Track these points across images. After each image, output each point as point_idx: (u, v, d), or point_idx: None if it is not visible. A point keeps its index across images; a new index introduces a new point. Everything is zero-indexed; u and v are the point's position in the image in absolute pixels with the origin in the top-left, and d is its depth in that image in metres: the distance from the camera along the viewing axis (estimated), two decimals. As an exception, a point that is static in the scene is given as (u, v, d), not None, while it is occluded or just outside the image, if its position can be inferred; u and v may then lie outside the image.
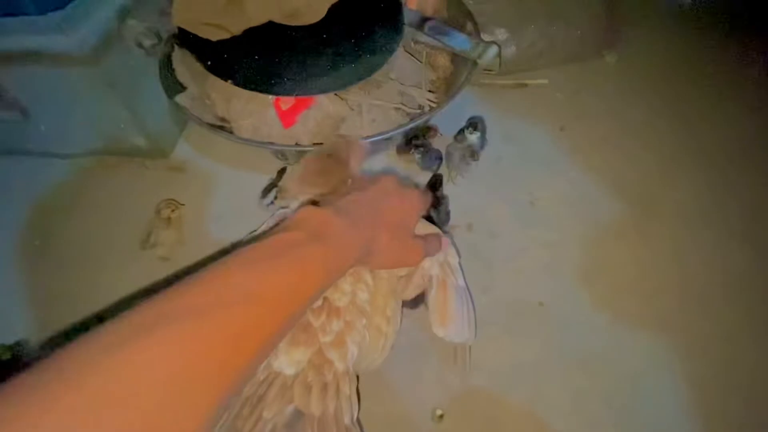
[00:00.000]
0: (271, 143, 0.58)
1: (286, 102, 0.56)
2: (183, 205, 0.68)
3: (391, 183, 0.39)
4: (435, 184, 0.68)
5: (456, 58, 0.71)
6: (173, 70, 0.63)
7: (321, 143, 0.57)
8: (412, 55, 0.71)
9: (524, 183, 0.72)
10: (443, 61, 0.73)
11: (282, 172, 0.64)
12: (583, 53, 0.88)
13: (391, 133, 0.56)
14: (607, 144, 0.77)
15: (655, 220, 0.68)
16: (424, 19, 0.69)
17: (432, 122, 0.71)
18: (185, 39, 0.58)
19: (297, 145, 0.57)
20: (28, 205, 0.71)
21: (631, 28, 0.93)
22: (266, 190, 0.64)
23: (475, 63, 0.63)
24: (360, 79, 0.57)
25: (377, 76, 0.64)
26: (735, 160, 0.74)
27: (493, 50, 0.63)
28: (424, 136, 0.69)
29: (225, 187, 0.72)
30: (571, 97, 0.83)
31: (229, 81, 0.54)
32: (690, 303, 0.60)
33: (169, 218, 0.65)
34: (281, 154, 0.64)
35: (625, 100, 0.83)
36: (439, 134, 0.72)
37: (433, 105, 0.66)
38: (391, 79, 0.66)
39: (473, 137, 0.70)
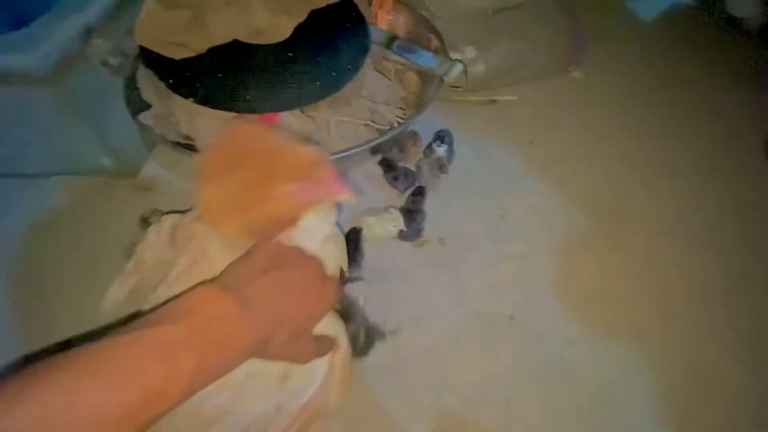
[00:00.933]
0: None
1: (250, 120, 0.55)
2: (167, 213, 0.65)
3: (317, 271, 0.36)
4: (417, 194, 0.68)
5: (424, 75, 0.72)
6: (138, 88, 0.62)
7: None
8: (382, 73, 0.72)
9: (495, 196, 0.72)
10: (412, 78, 0.74)
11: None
12: (551, 70, 0.90)
13: (360, 148, 0.56)
14: (576, 157, 0.78)
15: (624, 231, 0.68)
16: (393, 38, 0.70)
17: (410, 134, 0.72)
18: (148, 58, 0.58)
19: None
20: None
21: (596, 45, 0.96)
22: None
23: (441, 80, 0.64)
24: (324, 96, 0.57)
25: (347, 93, 0.64)
26: (701, 170, 0.76)
27: (458, 67, 0.64)
28: (390, 158, 0.71)
29: (186, 204, 0.71)
30: (540, 112, 0.85)
31: (191, 99, 0.54)
32: (661, 313, 0.60)
33: None
34: None
35: (593, 114, 0.85)
36: (419, 144, 0.72)
37: (402, 121, 0.66)
38: (362, 96, 0.66)
39: (441, 150, 0.71)
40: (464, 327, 0.59)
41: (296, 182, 0.34)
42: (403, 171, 0.70)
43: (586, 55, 0.94)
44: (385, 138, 0.58)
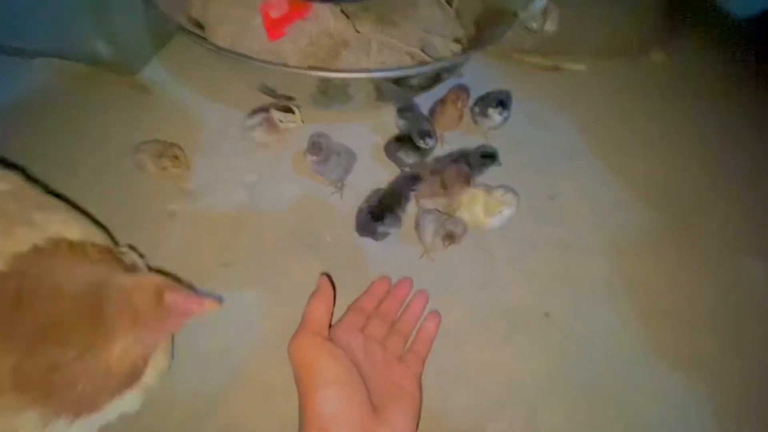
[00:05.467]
0: (247, 56, 0.44)
1: (278, 8, 0.44)
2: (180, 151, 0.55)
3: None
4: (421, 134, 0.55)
5: (493, 8, 0.59)
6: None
7: (313, 67, 0.45)
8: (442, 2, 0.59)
9: (545, 173, 0.61)
10: (477, 10, 0.60)
11: (285, 109, 0.53)
12: (629, 46, 0.77)
13: (407, 72, 0.44)
14: (643, 147, 0.66)
15: (692, 239, 0.57)
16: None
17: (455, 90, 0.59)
18: None
19: (284, 65, 0.45)
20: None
21: (684, 34, 0.83)
22: (255, 112, 0.54)
23: (515, 14, 0.52)
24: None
25: (394, 15, 0.53)
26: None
27: (540, 2, 0.52)
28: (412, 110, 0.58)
29: (194, 119, 0.61)
30: (609, 90, 0.73)
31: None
32: (729, 344, 0.49)
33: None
34: (266, 88, 0.52)
35: (668, 105, 0.73)
36: (462, 104, 0.59)
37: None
38: (414, 23, 0.54)
39: (497, 117, 0.59)
40: (489, 317, 0.48)
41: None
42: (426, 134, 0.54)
43: (671, 40, 0.81)
44: (441, 66, 0.46)
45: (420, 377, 0.40)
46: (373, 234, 0.50)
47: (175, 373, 0.43)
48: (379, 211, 0.49)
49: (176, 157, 0.52)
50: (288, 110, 0.52)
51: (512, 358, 0.46)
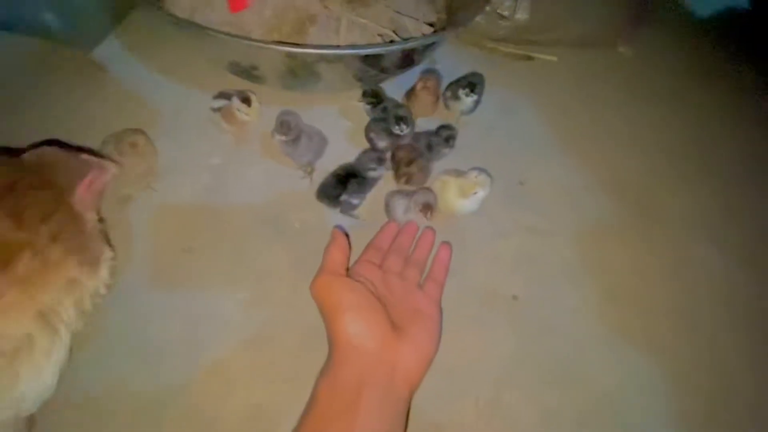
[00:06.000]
0: (209, 29, 0.42)
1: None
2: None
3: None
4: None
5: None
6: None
7: (279, 42, 0.43)
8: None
9: (515, 161, 0.61)
10: None
11: (243, 99, 0.51)
12: (599, 39, 0.79)
13: (381, 50, 0.43)
14: (610, 137, 0.68)
15: (654, 226, 0.59)
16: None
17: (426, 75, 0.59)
18: None
19: (247, 38, 0.43)
20: None
21: (649, 28, 0.85)
22: (221, 96, 0.52)
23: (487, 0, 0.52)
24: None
25: (366, -5, 0.51)
26: (742, 174, 0.67)
27: (512, -13, 0.52)
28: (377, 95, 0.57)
29: (154, 99, 0.58)
30: (579, 81, 0.74)
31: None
32: (686, 324, 0.51)
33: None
34: (231, 65, 0.50)
35: (635, 96, 0.75)
36: (433, 92, 0.59)
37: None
38: (386, 4, 0.53)
39: (468, 100, 0.59)
40: (458, 300, 0.48)
41: None
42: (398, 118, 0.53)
43: (639, 34, 0.83)
44: (411, 44, 0.45)
45: (439, 301, 0.44)
46: (333, 200, 0.50)
47: (135, 361, 0.42)
48: (344, 175, 0.50)
49: (135, 145, 0.49)
50: (246, 100, 0.51)
51: (479, 340, 0.46)
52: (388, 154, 0.54)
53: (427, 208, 0.49)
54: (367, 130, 0.56)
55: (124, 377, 0.41)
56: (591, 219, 0.58)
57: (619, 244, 0.56)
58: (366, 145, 0.56)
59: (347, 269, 0.43)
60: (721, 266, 0.57)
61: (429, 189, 0.52)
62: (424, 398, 0.42)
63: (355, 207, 0.51)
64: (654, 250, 0.56)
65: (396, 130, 0.53)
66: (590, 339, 0.48)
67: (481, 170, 0.52)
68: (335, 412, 0.33)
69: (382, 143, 0.55)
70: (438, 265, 0.47)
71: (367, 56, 0.44)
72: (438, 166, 0.56)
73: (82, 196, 0.38)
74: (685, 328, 0.51)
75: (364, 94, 0.56)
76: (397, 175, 0.53)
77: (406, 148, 0.53)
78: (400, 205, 0.51)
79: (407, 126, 0.53)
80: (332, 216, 0.52)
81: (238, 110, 0.50)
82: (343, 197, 0.50)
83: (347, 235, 0.45)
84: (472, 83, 0.59)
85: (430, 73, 0.60)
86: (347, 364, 0.35)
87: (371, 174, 0.51)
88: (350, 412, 0.32)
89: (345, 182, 0.50)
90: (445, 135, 0.56)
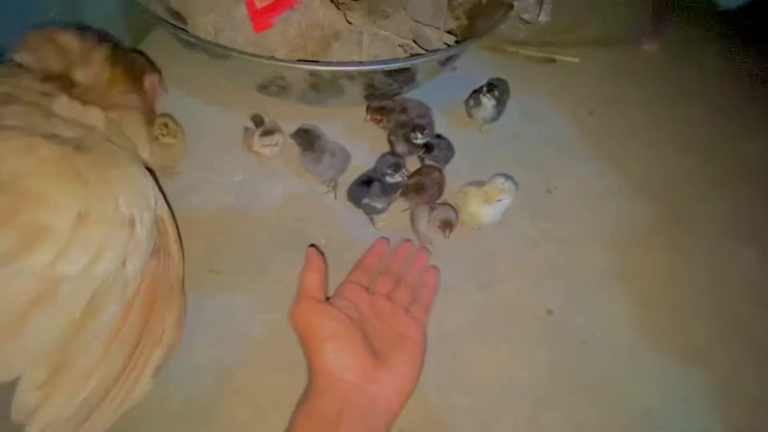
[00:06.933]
0: (232, 49, 0.42)
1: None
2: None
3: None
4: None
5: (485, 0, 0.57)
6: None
7: (304, 60, 0.42)
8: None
9: (542, 168, 0.60)
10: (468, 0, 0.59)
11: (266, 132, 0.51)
12: (622, 38, 0.77)
13: (398, 65, 0.43)
14: (639, 138, 0.66)
15: (688, 231, 0.57)
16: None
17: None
18: None
19: (271, 57, 0.43)
20: None
21: (676, 23, 0.83)
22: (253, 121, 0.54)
23: (510, 5, 0.51)
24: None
25: (386, 6, 0.51)
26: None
27: (536, -9, 0.50)
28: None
29: (176, 117, 0.58)
30: (604, 81, 0.72)
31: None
32: (727, 332, 0.49)
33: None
34: (262, 86, 0.50)
35: (662, 96, 0.73)
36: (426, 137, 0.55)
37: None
38: (406, 15, 0.53)
39: (489, 103, 0.58)
40: (488, 315, 0.47)
41: None
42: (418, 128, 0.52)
43: (663, 31, 0.80)
44: (435, 57, 0.44)
45: (425, 325, 0.42)
46: (358, 201, 0.50)
47: (167, 380, 0.42)
48: (367, 178, 0.50)
49: (166, 125, 0.49)
50: (269, 133, 0.51)
51: (513, 357, 0.45)
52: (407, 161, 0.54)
53: (446, 225, 0.47)
54: (389, 133, 0.56)
55: (157, 397, 0.41)
56: (624, 226, 0.56)
57: (653, 251, 0.54)
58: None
59: (325, 293, 0.42)
60: (761, 270, 0.54)
61: (450, 205, 0.50)
62: (459, 421, 0.41)
63: (378, 211, 0.51)
64: (690, 256, 0.55)
65: (413, 139, 0.52)
66: (629, 352, 0.47)
67: (508, 177, 0.51)
68: None
69: (401, 148, 0.54)
70: (426, 289, 0.45)
71: (391, 70, 0.44)
72: (462, 179, 0.55)
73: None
74: (726, 336, 0.49)
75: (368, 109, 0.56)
76: None
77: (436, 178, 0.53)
78: (423, 218, 0.50)
79: (423, 137, 0.53)
80: (357, 231, 0.51)
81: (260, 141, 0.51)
82: (365, 201, 0.50)
83: (322, 254, 0.44)
84: (491, 84, 0.58)
85: (417, 107, 0.58)
86: (326, 395, 0.35)
87: (388, 179, 0.51)
88: None
89: (369, 185, 0.50)
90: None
